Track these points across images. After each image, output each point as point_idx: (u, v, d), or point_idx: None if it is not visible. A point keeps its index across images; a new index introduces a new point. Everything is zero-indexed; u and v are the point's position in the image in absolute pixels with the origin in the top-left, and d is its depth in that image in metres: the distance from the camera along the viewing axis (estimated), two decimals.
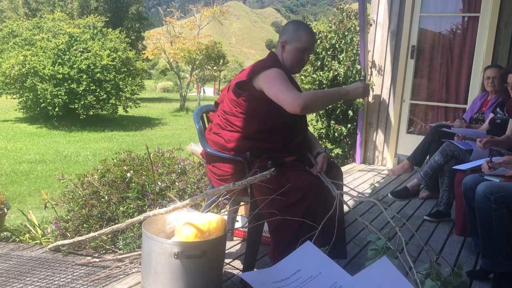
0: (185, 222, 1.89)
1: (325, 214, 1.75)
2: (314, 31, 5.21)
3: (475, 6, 4.59)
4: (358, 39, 4.99)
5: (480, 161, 2.50)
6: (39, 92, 12.69)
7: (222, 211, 2.60)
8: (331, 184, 1.98)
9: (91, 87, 13.15)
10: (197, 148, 2.44)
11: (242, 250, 2.49)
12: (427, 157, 3.70)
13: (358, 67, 4.90)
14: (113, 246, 2.75)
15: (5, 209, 3.36)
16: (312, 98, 1.98)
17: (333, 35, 5.10)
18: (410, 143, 4.75)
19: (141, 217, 2.07)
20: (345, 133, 5.07)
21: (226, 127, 2.13)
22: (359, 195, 1.95)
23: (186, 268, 1.80)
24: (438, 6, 4.86)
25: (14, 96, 13.65)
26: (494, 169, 2.27)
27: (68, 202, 3.09)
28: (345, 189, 2.95)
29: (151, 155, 3.38)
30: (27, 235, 3.22)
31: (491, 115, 3.21)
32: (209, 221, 1.89)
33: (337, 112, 5.02)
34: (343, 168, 4.88)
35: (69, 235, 2.88)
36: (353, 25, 5.13)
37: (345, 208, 2.86)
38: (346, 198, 2.92)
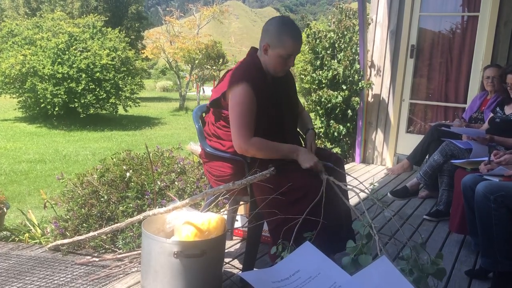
0: (185, 222, 1.89)
1: (327, 215, 1.74)
2: (313, 30, 5.24)
3: (475, 5, 4.59)
4: (357, 38, 4.99)
5: (480, 158, 2.51)
6: (39, 92, 12.66)
7: (221, 210, 2.60)
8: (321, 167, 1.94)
9: (91, 86, 13.13)
10: (197, 147, 2.44)
11: (242, 249, 2.49)
12: (427, 157, 3.70)
13: (358, 66, 4.90)
14: (112, 246, 2.75)
15: (4, 209, 3.36)
16: (259, 147, 1.93)
17: (332, 35, 5.10)
18: (409, 142, 4.75)
19: (140, 216, 2.07)
20: (344, 133, 5.07)
21: (221, 136, 2.12)
22: (356, 187, 1.90)
23: (186, 267, 1.80)
24: (438, 6, 4.86)
25: (14, 96, 13.63)
26: (492, 169, 2.28)
27: (68, 201, 3.08)
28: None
29: (151, 154, 3.38)
30: (27, 234, 3.22)
31: (491, 114, 3.21)
32: (209, 221, 1.89)
33: (337, 111, 5.01)
34: None
35: (69, 235, 2.88)
36: (352, 24, 5.13)
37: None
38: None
